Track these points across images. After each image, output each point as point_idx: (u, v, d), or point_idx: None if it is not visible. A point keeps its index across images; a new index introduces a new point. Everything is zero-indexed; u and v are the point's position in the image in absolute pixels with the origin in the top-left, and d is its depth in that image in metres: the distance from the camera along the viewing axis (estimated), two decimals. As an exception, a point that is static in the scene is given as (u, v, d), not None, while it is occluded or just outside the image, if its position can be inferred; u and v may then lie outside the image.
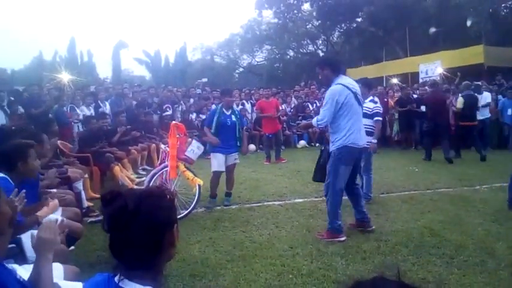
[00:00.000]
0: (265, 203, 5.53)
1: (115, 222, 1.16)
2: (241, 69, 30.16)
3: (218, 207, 5.34)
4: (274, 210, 5.17)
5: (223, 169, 5.45)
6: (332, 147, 4.11)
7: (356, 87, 4.13)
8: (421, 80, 14.87)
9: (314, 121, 4.31)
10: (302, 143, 11.83)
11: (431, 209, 5.11)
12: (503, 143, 10.76)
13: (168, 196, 1.23)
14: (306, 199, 5.71)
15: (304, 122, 4.88)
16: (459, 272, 3.30)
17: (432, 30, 17.78)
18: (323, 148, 4.59)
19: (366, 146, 5.35)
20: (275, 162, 9.04)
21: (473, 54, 13.92)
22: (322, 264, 3.48)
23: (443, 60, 14.57)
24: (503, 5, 19.05)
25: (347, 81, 4.09)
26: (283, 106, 12.58)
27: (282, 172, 7.79)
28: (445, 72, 13.90)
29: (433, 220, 4.63)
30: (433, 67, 14.79)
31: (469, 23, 16.64)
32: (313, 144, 12.02)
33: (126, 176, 6.76)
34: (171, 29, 61.11)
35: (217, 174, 5.45)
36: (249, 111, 11.99)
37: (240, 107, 11.81)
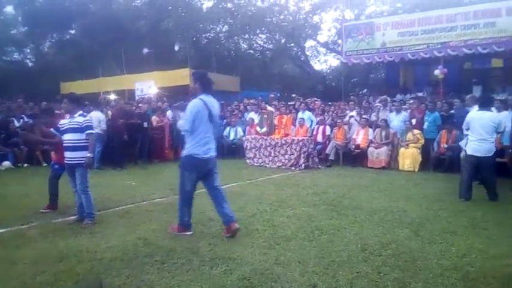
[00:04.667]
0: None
1: None
2: None
3: None
4: (-35, 248, 4.27)
5: None
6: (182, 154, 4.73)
7: (215, 105, 4.69)
8: (137, 97, 15.54)
9: (179, 123, 4.92)
10: (6, 164, 10.25)
11: (147, 219, 5.39)
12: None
13: None
14: (9, 228, 4.98)
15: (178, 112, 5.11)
16: (169, 274, 3.58)
17: (145, 50, 18.90)
18: None
19: (77, 162, 5.19)
20: None
21: (181, 76, 15.63)
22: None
23: (156, 79, 15.74)
24: (204, 35, 22.22)
25: (208, 100, 4.60)
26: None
27: (-23, 200, 6.54)
28: (159, 91, 15.03)
29: (147, 230, 4.88)
30: (147, 85, 15.73)
31: (176, 48, 18.57)
32: (20, 164, 10.62)
33: None
34: None
35: None
36: None
37: None
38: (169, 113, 12.44)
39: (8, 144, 10.67)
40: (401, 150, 10.00)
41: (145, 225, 5.13)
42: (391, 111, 11.12)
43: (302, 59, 23.37)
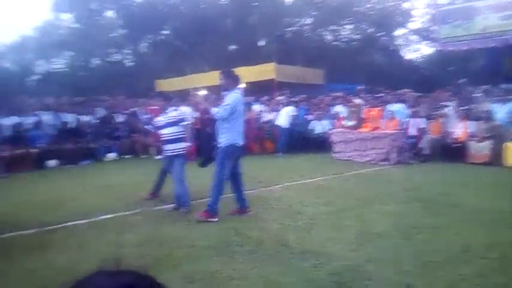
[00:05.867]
0: (70, 223, 5.05)
1: None
2: (37, 77, 26.70)
3: (9, 234, 4.62)
4: (80, 230, 4.78)
5: None
6: (219, 144, 5.07)
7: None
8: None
9: (214, 110, 5.15)
10: (110, 155, 11.26)
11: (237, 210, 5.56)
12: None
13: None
14: (115, 214, 5.45)
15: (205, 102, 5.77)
16: (259, 265, 3.64)
17: (231, 47, 19.46)
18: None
19: (177, 153, 5.54)
20: None
21: (266, 71, 15.78)
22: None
23: (241, 74, 16.05)
24: (288, 29, 22.24)
25: (240, 93, 5.18)
26: (89, 117, 11.84)
27: (88, 188, 7.27)
28: (245, 86, 15.34)
29: (238, 220, 5.04)
30: (234, 81, 16.14)
31: (261, 43, 18.84)
32: (122, 156, 11.59)
33: None
34: None
35: None
36: (49, 122, 10.81)
37: (36, 118, 10.57)
38: (256, 107, 12.69)
39: (112, 137, 11.71)
40: (507, 144, 9.06)
41: (236, 215, 5.29)
42: (494, 102, 10.12)
43: (392, 48, 22.27)
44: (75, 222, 5.11)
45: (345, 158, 10.50)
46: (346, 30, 22.58)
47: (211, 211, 5.04)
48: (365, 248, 3.98)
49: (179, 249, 4.08)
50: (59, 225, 4.97)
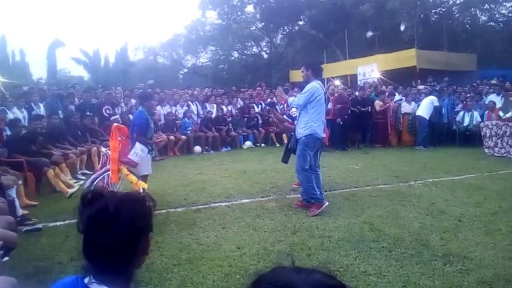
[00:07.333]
0: (212, 205, 5.50)
1: (92, 223, 1.13)
2: (185, 70, 29.71)
3: (164, 211, 5.23)
4: (221, 212, 5.16)
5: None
6: (299, 135, 5.07)
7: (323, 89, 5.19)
8: (359, 82, 15.53)
9: (290, 99, 5.31)
10: (248, 143, 11.89)
11: (371, 204, 5.35)
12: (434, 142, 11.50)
13: (147, 203, 1.24)
14: (252, 199, 5.75)
15: (283, 93, 5.85)
16: (397, 263, 3.47)
17: (369, 34, 18.55)
18: (290, 135, 5.39)
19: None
20: None
21: (407, 57, 14.76)
22: (269, 263, 3.52)
23: (379, 62, 15.31)
24: (433, 11, 20.32)
25: (320, 84, 5.14)
26: (229, 107, 12.61)
27: (228, 173, 7.79)
28: (381, 76, 14.57)
29: (372, 215, 4.85)
30: (370, 69, 15.50)
31: (402, 28, 17.50)
32: (258, 144, 12.14)
33: (64, 181, 6.42)
34: (110, 27, 58.45)
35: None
36: (195, 112, 11.86)
37: (185, 108, 11.67)
38: (397, 97, 11.97)
39: (249, 126, 12.34)
40: None
41: (369, 210, 5.11)
42: None
43: None
44: (217, 204, 5.53)
45: (499, 154, 9.30)
46: (504, 9, 19.72)
47: (316, 202, 5.01)
48: (524, 258, 3.47)
49: (312, 238, 4.10)
50: (204, 206, 5.45)
